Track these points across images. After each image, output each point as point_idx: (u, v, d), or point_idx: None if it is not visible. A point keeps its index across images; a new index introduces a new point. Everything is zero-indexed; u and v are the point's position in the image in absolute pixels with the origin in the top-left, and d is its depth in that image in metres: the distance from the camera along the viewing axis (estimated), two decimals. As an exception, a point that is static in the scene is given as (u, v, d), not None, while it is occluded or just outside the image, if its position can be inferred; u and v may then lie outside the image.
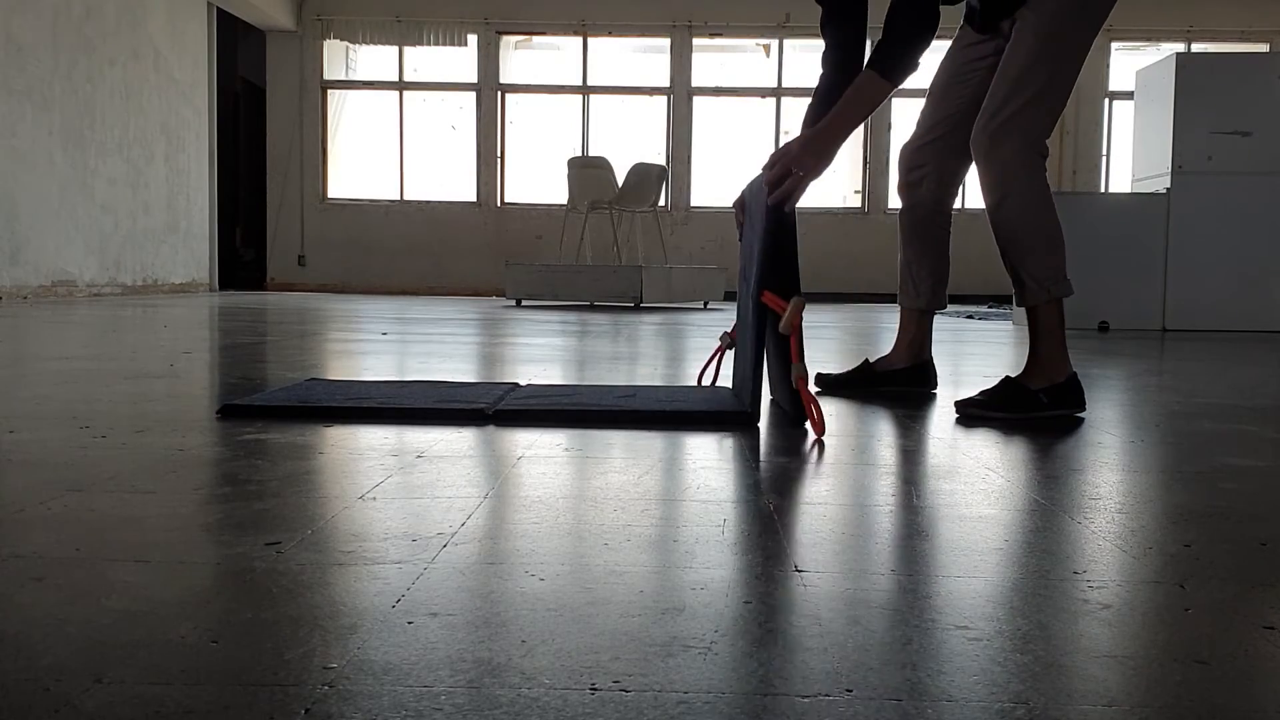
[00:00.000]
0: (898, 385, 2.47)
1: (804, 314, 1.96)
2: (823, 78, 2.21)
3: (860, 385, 2.47)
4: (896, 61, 2.04)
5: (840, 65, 2.20)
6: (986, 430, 1.96)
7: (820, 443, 1.79)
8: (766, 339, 2.04)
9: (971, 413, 2.13)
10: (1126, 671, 0.76)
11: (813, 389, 2.36)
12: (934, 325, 2.42)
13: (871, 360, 2.51)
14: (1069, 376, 2.14)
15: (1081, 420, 2.11)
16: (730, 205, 2.60)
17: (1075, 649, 0.81)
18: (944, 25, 2.05)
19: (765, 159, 2.07)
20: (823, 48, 2.23)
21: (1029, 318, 2.16)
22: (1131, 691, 0.72)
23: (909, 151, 2.42)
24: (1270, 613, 0.90)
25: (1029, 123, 2.11)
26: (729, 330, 2.28)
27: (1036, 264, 2.13)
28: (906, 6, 2.04)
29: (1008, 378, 2.19)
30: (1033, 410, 2.12)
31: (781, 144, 2.12)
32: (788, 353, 1.94)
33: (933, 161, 2.38)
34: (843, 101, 2.07)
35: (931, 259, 2.44)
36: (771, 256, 1.95)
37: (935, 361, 2.62)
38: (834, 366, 3.17)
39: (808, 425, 1.89)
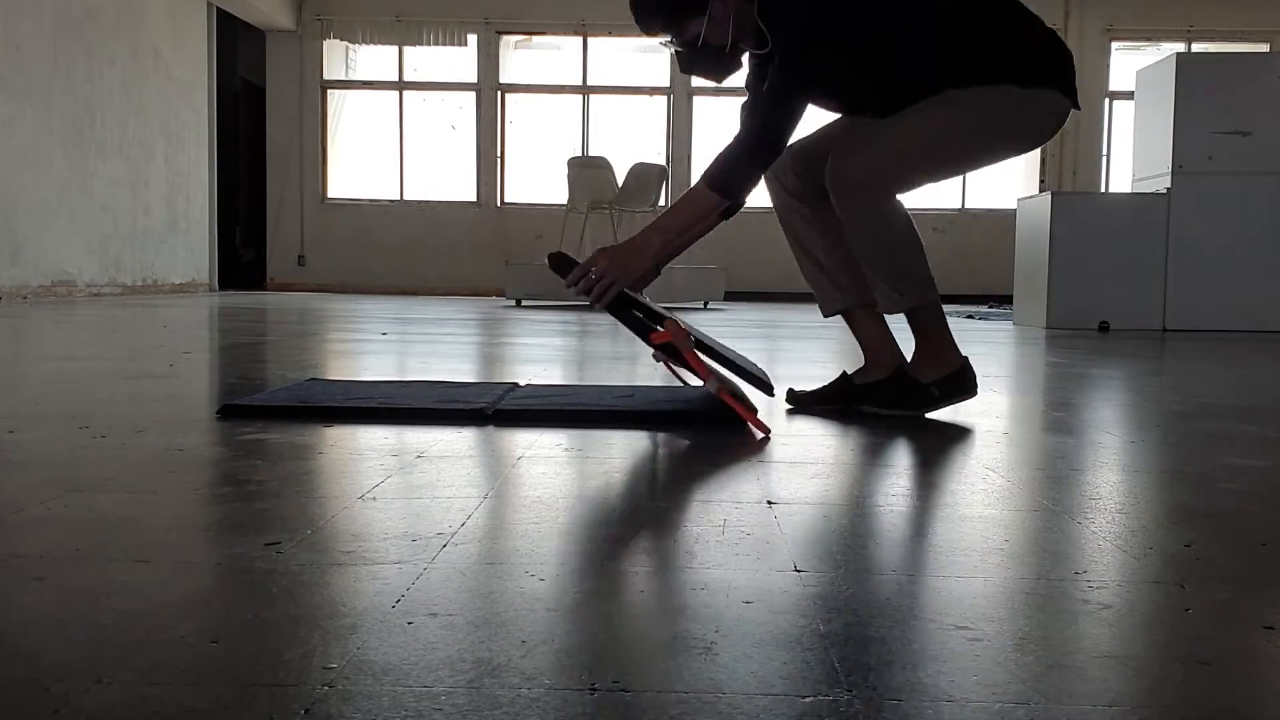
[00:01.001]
0: (879, 404, 2.17)
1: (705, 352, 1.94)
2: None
3: (837, 401, 2.23)
4: (733, 179, 1.96)
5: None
6: (986, 430, 1.96)
7: (823, 444, 1.78)
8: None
9: (865, 409, 2.15)
10: (1127, 672, 0.76)
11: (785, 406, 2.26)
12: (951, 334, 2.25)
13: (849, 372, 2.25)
14: (959, 366, 2.15)
15: (975, 421, 2.11)
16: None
17: (1076, 649, 0.81)
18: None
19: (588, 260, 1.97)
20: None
21: (909, 321, 2.15)
22: (1132, 692, 0.72)
23: (782, 175, 2.24)
24: (1271, 613, 0.90)
25: (888, 171, 2.05)
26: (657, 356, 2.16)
27: (890, 277, 2.10)
28: (753, 130, 1.97)
29: (844, 373, 2.22)
30: (925, 405, 2.13)
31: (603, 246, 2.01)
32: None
33: (809, 188, 2.21)
34: (669, 211, 2.00)
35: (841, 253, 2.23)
36: (627, 320, 1.94)
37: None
38: (834, 367, 3.17)
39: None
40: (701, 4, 2.02)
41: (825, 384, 2.26)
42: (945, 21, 2.06)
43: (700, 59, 2.11)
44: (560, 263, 1.96)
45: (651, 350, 1.96)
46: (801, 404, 2.24)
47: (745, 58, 2.15)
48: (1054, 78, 2.08)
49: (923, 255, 2.12)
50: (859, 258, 2.13)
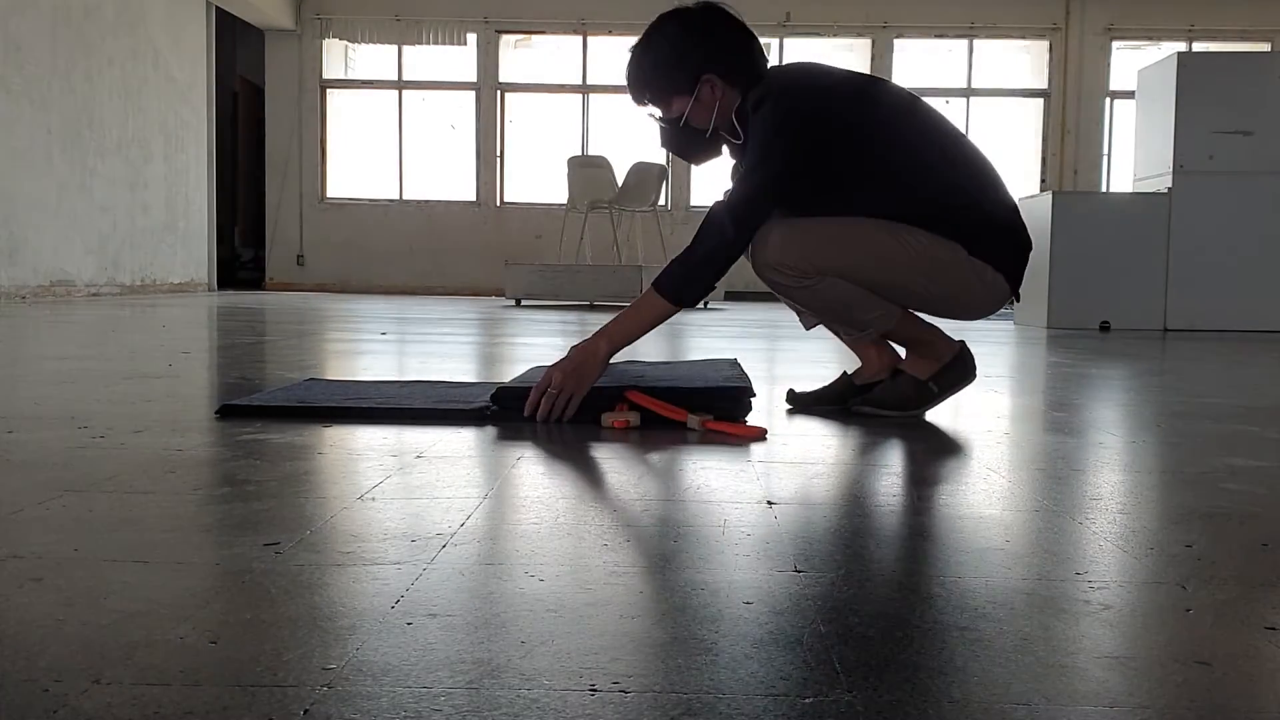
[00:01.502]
0: (879, 404, 2.15)
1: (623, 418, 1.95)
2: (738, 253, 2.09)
3: (838, 401, 2.21)
4: (683, 285, 1.96)
5: None
6: (987, 430, 1.96)
7: (825, 445, 1.78)
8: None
9: (864, 411, 2.13)
10: (1128, 672, 0.76)
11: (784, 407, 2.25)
12: (936, 324, 2.28)
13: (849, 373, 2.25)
14: (955, 352, 2.14)
15: (974, 420, 2.11)
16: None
17: (1076, 650, 0.80)
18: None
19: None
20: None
21: (891, 340, 2.16)
22: (1133, 692, 0.72)
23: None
24: (1271, 613, 0.90)
25: (807, 251, 2.01)
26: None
27: (847, 323, 2.12)
28: (712, 240, 1.96)
29: (845, 373, 2.23)
30: (926, 402, 2.12)
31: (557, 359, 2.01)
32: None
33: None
34: (618, 318, 2.00)
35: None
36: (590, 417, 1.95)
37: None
38: (834, 367, 3.17)
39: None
40: (690, 85, 2.04)
41: (825, 384, 2.25)
42: (923, 172, 2.03)
43: (680, 137, 2.12)
44: (508, 396, 1.99)
45: (614, 422, 1.92)
46: (802, 404, 2.24)
47: (725, 149, 2.15)
48: (1004, 261, 2.04)
49: (866, 296, 2.06)
50: (819, 318, 2.15)
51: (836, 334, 2.23)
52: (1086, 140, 12.02)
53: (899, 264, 2.02)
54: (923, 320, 2.16)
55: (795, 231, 2.02)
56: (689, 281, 1.97)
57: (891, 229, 2.01)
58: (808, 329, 2.30)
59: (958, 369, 2.14)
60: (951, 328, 2.29)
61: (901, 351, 2.19)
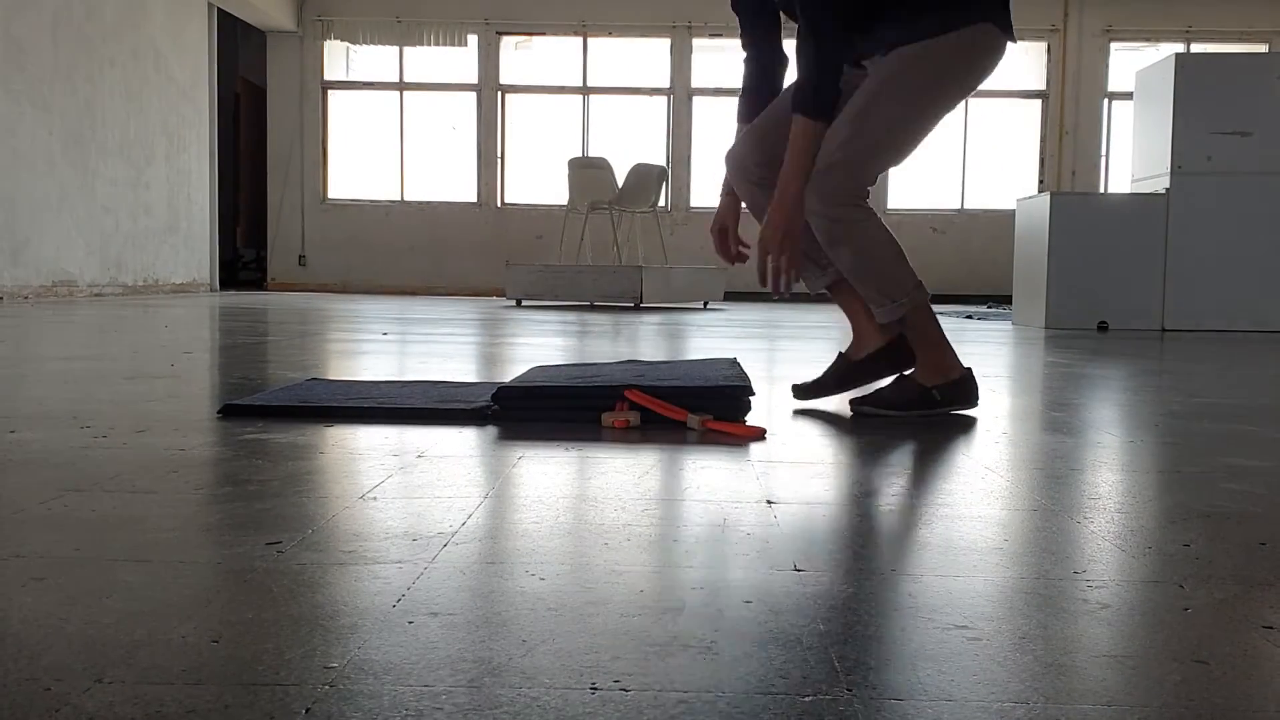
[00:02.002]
0: (879, 370, 2.22)
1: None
2: (747, 75, 2.31)
3: (842, 383, 2.25)
4: (824, 99, 2.03)
5: (761, 65, 2.29)
6: (986, 430, 1.97)
7: (826, 445, 1.79)
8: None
9: (865, 410, 2.15)
10: (1126, 671, 0.76)
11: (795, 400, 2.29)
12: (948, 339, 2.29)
13: (844, 351, 2.29)
14: (962, 375, 2.16)
15: (974, 419, 2.12)
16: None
17: (1075, 649, 0.81)
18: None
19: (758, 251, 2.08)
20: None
21: (905, 329, 2.17)
22: (1131, 691, 0.73)
23: (741, 176, 2.27)
24: (1270, 612, 0.90)
25: (856, 171, 2.07)
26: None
27: (874, 292, 2.13)
28: (810, 48, 2.03)
29: (840, 354, 2.27)
30: (925, 406, 2.13)
31: (760, 232, 2.08)
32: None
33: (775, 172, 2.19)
34: (790, 160, 2.06)
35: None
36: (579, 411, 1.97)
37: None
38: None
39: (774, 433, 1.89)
40: None
41: (824, 370, 2.27)
42: None
43: None
44: (510, 396, 2.00)
45: (612, 421, 1.93)
46: (808, 393, 2.27)
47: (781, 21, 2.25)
48: (990, 11, 2.08)
49: (905, 259, 2.13)
50: (847, 275, 2.15)
51: (838, 294, 2.27)
52: (1085, 141, 12.02)
53: (927, 117, 2.10)
54: (938, 324, 2.17)
55: (838, 170, 2.07)
56: (818, 90, 2.03)
57: (899, 90, 2.07)
58: (813, 290, 2.33)
59: (963, 388, 2.15)
60: (959, 331, 2.29)
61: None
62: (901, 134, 2.09)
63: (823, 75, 2.03)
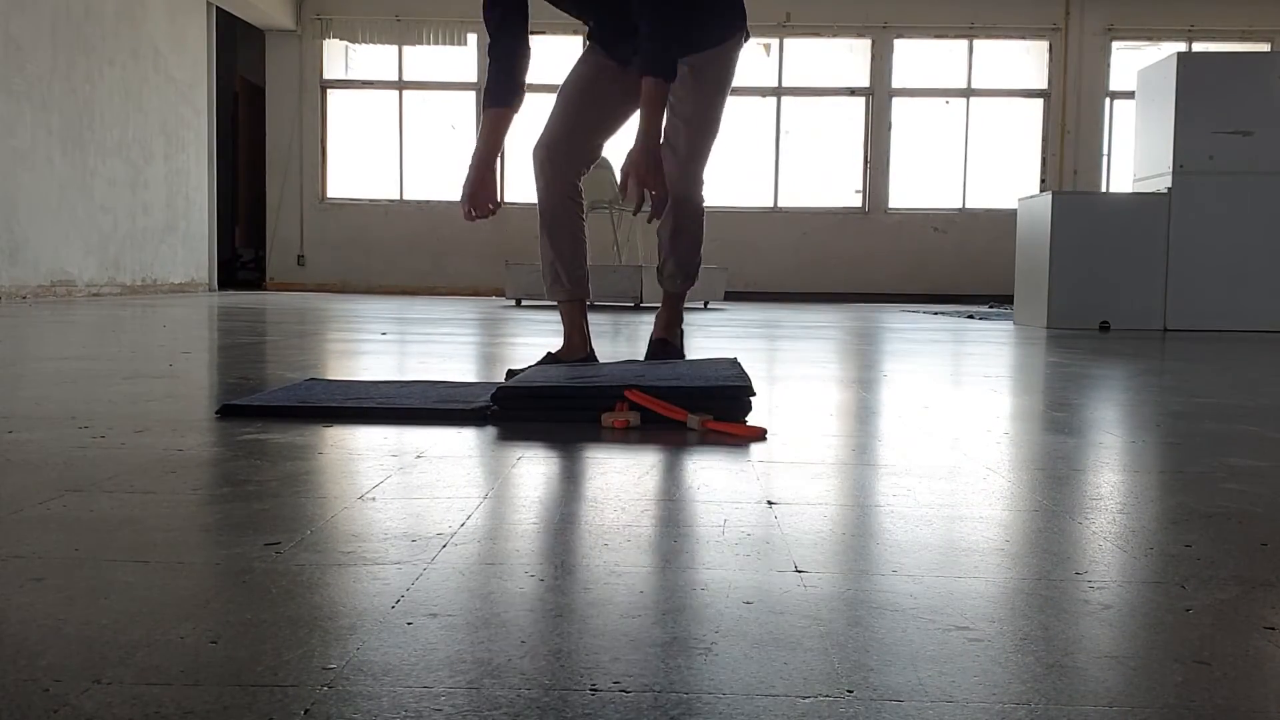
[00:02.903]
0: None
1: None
2: (502, 46, 2.66)
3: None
4: (670, 62, 2.43)
5: (514, 33, 2.67)
6: (986, 430, 1.96)
7: (825, 445, 1.78)
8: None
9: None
10: (1127, 672, 0.76)
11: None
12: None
13: (553, 352, 2.69)
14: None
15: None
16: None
17: (1076, 650, 0.80)
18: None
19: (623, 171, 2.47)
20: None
21: (675, 297, 2.79)
22: (1133, 692, 0.72)
23: (547, 149, 2.67)
24: (1271, 613, 0.90)
25: (703, 165, 2.69)
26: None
27: (691, 266, 2.76)
28: (656, 17, 2.40)
29: (549, 353, 2.67)
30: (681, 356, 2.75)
31: (626, 157, 2.48)
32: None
33: (567, 160, 2.67)
34: (645, 118, 2.45)
35: (573, 248, 2.70)
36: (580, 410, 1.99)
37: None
38: (834, 366, 3.17)
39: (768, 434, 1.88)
40: None
41: (532, 364, 2.57)
42: None
43: None
44: (509, 396, 1.99)
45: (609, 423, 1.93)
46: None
47: None
48: (743, 21, 2.68)
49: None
50: (672, 253, 2.71)
51: (570, 310, 2.69)
52: (1086, 140, 12.02)
53: (722, 111, 2.71)
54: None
55: (689, 162, 2.67)
56: (665, 52, 2.43)
57: (709, 85, 2.66)
58: (553, 299, 2.71)
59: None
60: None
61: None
62: (718, 126, 2.68)
63: (670, 43, 2.43)
